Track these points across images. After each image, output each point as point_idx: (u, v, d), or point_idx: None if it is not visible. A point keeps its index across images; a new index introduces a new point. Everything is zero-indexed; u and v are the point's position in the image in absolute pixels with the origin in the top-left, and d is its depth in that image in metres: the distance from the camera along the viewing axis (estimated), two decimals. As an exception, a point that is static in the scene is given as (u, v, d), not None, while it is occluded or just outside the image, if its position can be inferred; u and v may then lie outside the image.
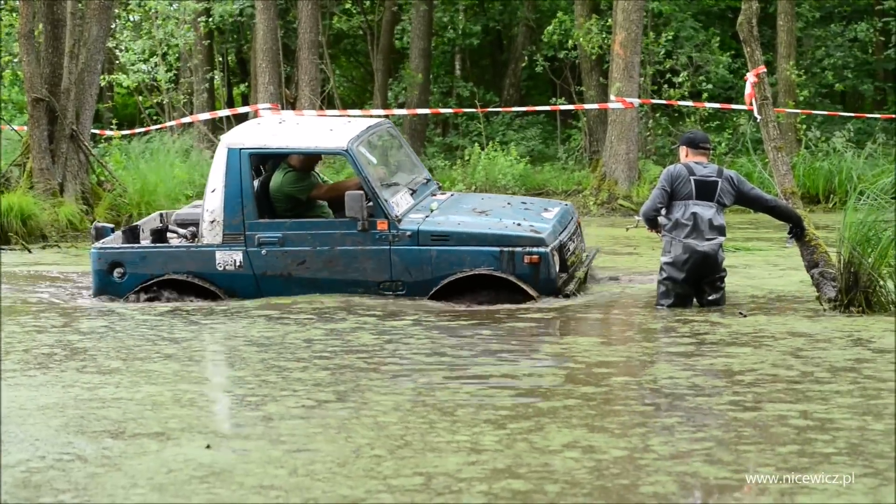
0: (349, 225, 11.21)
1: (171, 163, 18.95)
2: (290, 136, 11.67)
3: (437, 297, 11.13)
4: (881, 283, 10.23)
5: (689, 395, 7.84)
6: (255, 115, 20.63)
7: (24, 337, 10.09)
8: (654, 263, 11.53)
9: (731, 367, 8.51)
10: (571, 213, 12.24)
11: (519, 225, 11.24)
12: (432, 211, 11.55)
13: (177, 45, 25.18)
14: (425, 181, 12.36)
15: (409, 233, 11.17)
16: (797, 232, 10.67)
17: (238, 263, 11.38)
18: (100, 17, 17.15)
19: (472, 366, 8.79)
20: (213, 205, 11.40)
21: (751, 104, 11.37)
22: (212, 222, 11.39)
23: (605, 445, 6.71)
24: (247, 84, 27.15)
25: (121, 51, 24.81)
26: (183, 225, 12.20)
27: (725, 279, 10.70)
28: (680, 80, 21.58)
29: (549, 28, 22.87)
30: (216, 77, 26.88)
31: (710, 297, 10.61)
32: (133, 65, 24.62)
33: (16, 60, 23.50)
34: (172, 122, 23.04)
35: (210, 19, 25.75)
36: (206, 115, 23.06)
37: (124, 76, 24.66)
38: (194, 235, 11.79)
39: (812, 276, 10.64)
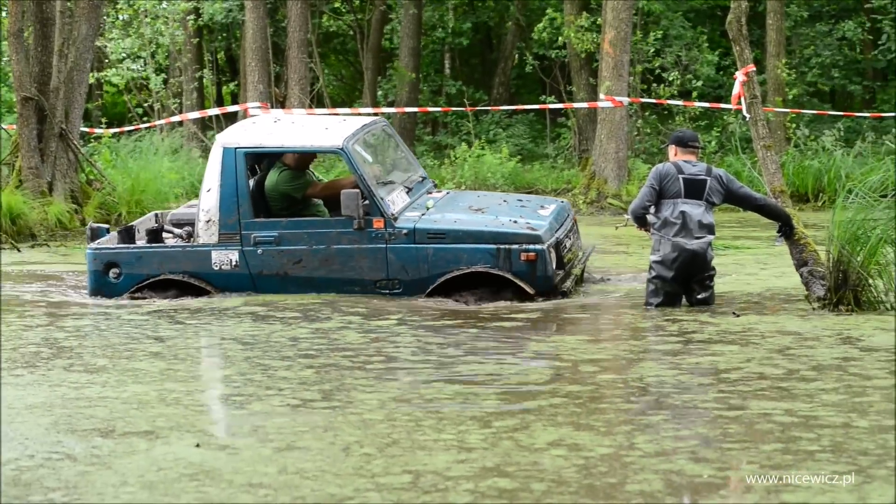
0: (345, 223, 11.21)
1: (160, 161, 18.94)
2: (285, 135, 11.68)
3: (433, 295, 11.14)
4: (870, 281, 10.26)
5: (674, 393, 7.86)
6: (245, 113, 20.63)
7: (10, 335, 10.09)
8: (644, 262, 11.55)
9: (717, 366, 8.53)
10: (568, 211, 12.25)
11: (515, 222, 11.24)
12: (428, 209, 11.55)
13: (166, 45, 25.17)
14: (421, 179, 12.37)
15: (405, 231, 11.17)
16: (786, 231, 10.69)
17: (234, 263, 11.38)
18: (89, 15, 17.14)
19: (459, 364, 8.80)
20: (208, 204, 11.40)
21: (738, 103, 11.39)
22: (207, 222, 11.39)
23: (591, 443, 6.73)
24: (236, 83, 27.15)
25: (110, 49, 24.80)
26: (178, 225, 12.19)
27: (715, 278, 10.72)
28: (670, 78, 21.61)
29: (539, 25, 22.88)
30: (205, 76, 26.87)
31: (699, 296, 10.62)
32: (121, 62, 24.62)
33: (5, 59, 23.48)
34: (162, 121, 23.04)
35: (200, 18, 25.73)
36: (196, 114, 23.06)
37: (112, 71, 24.66)
38: (190, 235, 11.80)
39: (801, 275, 10.66)
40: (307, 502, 5.95)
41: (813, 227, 12.83)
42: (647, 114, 22.43)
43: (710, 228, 10.51)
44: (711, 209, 10.58)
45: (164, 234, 12.15)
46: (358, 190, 11.15)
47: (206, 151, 23.09)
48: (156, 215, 12.76)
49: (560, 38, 22.40)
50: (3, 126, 19.54)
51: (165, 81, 25.65)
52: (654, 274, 10.59)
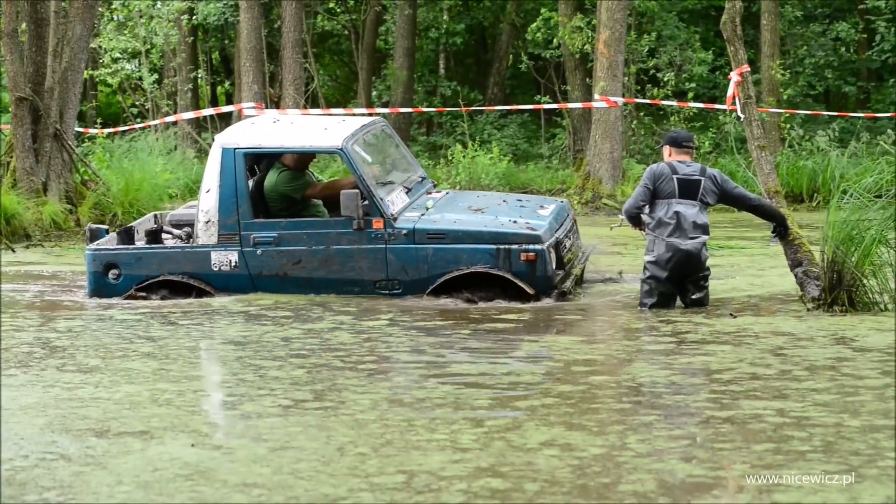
0: (345, 224, 11.21)
1: (154, 162, 18.93)
2: (284, 136, 11.69)
3: (433, 295, 11.13)
4: (864, 281, 10.27)
5: (666, 393, 7.88)
6: (240, 114, 20.65)
7: (3, 335, 10.09)
8: (638, 262, 11.56)
9: (709, 366, 8.55)
10: (567, 211, 12.25)
11: (515, 222, 11.25)
12: (428, 209, 11.55)
13: (160, 45, 25.16)
14: (420, 179, 12.36)
15: (404, 231, 11.17)
16: (781, 231, 10.70)
17: (233, 264, 11.38)
18: (83, 15, 17.14)
19: (451, 364, 8.81)
20: (207, 205, 11.40)
21: (732, 104, 11.40)
22: (207, 223, 11.39)
23: (583, 443, 6.74)
24: (231, 83, 27.15)
25: (104, 50, 24.79)
26: (178, 226, 12.19)
27: (709, 278, 10.73)
28: (665, 79, 21.63)
29: (533, 26, 22.88)
30: (200, 76, 26.86)
31: (693, 296, 10.62)
32: (115, 61, 24.61)
33: (-1, 59, 23.46)
34: (156, 121, 23.04)
35: (193, 17, 25.72)
36: (190, 115, 23.05)
37: (106, 69, 24.65)
38: (189, 236, 11.80)
39: (796, 275, 10.67)
40: (301, 502, 5.96)
41: (807, 227, 12.83)
42: (641, 114, 22.44)
43: (704, 229, 10.52)
44: (706, 209, 10.59)
45: (164, 235, 12.15)
46: (357, 190, 11.15)
47: (200, 152, 23.11)
48: (155, 216, 12.76)
49: (555, 40, 22.40)
50: (-2, 126, 19.54)
51: (159, 81, 25.64)
52: (648, 274, 10.60)
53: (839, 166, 18.82)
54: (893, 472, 6.16)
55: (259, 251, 11.33)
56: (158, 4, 25.14)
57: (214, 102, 28.22)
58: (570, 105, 22.01)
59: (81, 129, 22.15)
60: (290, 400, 7.85)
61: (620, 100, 19.41)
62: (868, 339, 9.23)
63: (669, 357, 8.83)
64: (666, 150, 10.77)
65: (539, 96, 24.11)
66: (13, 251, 15.18)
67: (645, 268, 10.63)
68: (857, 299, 10.27)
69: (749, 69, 11.33)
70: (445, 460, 6.50)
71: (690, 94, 21.79)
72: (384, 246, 11.18)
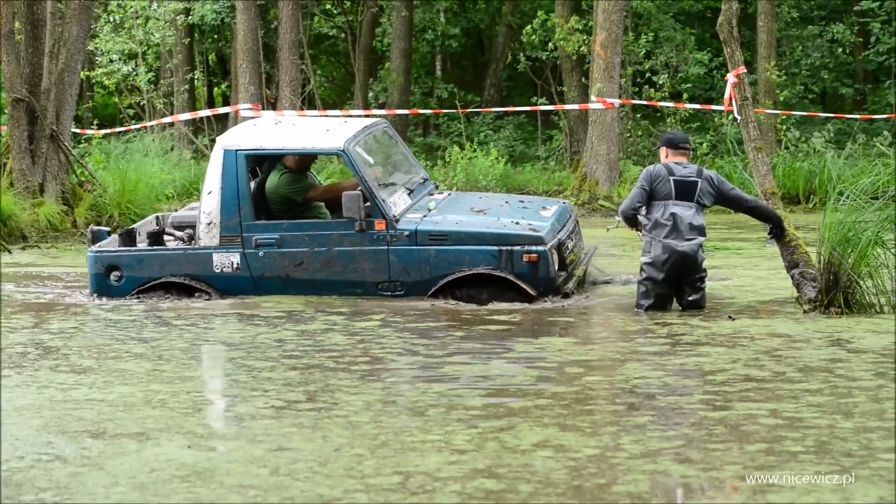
0: (347, 225, 11.21)
1: (150, 163, 18.93)
2: (286, 137, 11.68)
3: (435, 296, 11.13)
4: (861, 283, 10.28)
5: (660, 394, 7.89)
6: (236, 115, 20.64)
7: None
8: (635, 264, 11.56)
9: (702, 367, 8.56)
10: (569, 212, 12.24)
11: (517, 224, 11.24)
12: (430, 210, 11.54)
13: (157, 45, 25.16)
14: (422, 181, 12.36)
15: (406, 233, 11.16)
16: (777, 232, 10.72)
17: (235, 265, 11.38)
18: (80, 17, 17.13)
19: (444, 365, 8.82)
20: (209, 207, 11.39)
21: (729, 105, 11.41)
22: (208, 224, 11.38)
23: (577, 444, 6.76)
24: (227, 84, 27.15)
25: (100, 52, 24.80)
26: (179, 227, 12.18)
27: (706, 280, 10.73)
28: (661, 80, 21.63)
29: (528, 28, 22.88)
30: (196, 77, 26.86)
31: (690, 298, 10.63)
32: (112, 62, 24.61)
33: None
34: (153, 122, 23.03)
35: (190, 17, 25.72)
36: (187, 116, 23.05)
37: (102, 70, 24.65)
38: (191, 238, 11.80)
39: (792, 277, 10.68)
40: (297, 503, 5.97)
41: (804, 228, 12.85)
42: (638, 116, 22.45)
43: (700, 230, 10.53)
44: (702, 211, 10.60)
45: (165, 237, 12.13)
46: (359, 192, 11.14)
47: (196, 153, 23.10)
48: (157, 218, 12.75)
49: (550, 43, 22.40)
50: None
51: (154, 82, 25.64)
52: (644, 275, 10.61)
53: (835, 168, 18.81)
54: (887, 473, 6.17)
55: (261, 253, 11.33)
56: (154, 5, 25.12)
57: (211, 104, 28.20)
58: (567, 106, 22.01)
59: (78, 131, 22.13)
60: (283, 401, 7.86)
61: (617, 101, 19.42)
62: (864, 340, 9.24)
63: (663, 358, 8.84)
64: (662, 151, 10.78)
65: (535, 98, 24.10)
66: (9, 252, 15.17)
67: (641, 269, 10.64)
68: (853, 301, 10.27)
69: (745, 71, 11.34)
70: (440, 461, 6.51)
71: (685, 96, 21.79)
72: (386, 247, 11.17)
